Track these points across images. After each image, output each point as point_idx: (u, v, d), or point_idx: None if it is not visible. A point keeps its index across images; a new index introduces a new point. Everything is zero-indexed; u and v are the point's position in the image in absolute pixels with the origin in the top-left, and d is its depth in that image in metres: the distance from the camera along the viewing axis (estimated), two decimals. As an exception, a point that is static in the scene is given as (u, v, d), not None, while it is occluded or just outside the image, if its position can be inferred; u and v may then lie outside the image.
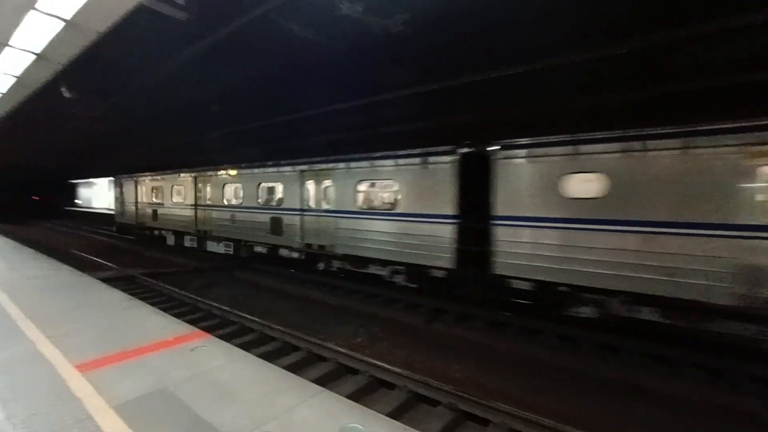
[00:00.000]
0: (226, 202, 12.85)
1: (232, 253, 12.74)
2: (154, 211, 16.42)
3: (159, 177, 16.19)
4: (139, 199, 17.74)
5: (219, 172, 12.97)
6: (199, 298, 8.62)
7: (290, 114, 10.23)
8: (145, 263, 13.30)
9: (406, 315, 7.92)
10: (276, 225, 10.86)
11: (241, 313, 7.54)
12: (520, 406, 4.40)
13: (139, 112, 10.76)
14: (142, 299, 7.40)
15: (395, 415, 4.28)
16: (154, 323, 5.07)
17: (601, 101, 7.11)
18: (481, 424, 4.25)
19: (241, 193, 12.32)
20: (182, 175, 14.72)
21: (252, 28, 5.84)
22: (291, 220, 10.46)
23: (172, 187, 15.32)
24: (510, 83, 6.93)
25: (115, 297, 6.57)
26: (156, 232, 16.75)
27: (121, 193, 19.40)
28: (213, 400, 3.25)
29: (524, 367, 5.77)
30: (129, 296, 6.81)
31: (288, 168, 10.49)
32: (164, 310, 7.13)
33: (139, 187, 17.77)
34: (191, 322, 6.51)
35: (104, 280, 8.63)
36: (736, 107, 5.62)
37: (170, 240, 15.78)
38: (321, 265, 10.15)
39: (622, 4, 5.03)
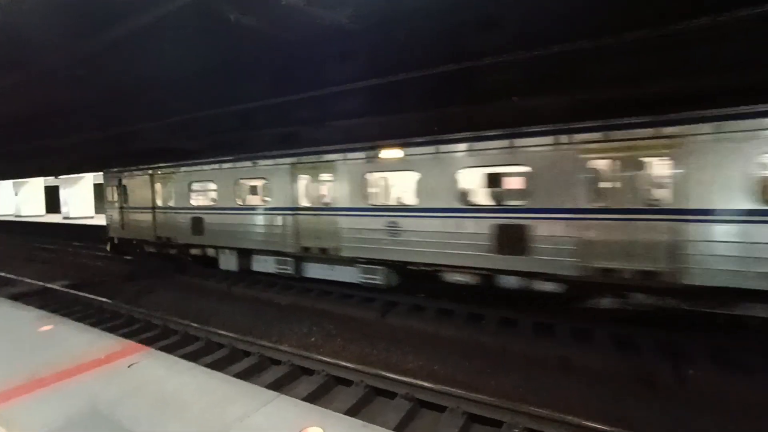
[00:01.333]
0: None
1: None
2: (197, 220, 10.78)
3: (208, 169, 10.64)
4: (161, 203, 12.00)
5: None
6: (135, 308, 7.94)
7: (238, 104, 9.66)
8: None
9: (360, 310, 7.93)
10: None
11: (184, 321, 7.07)
12: (468, 388, 4.63)
13: (53, 97, 9.51)
14: (64, 315, 6.65)
15: (354, 411, 4.29)
16: (80, 341, 4.56)
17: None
18: (437, 410, 4.40)
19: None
20: (264, 164, 9.39)
21: (185, 13, 5.41)
22: None
23: (238, 183, 9.99)
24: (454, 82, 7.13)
25: (28, 316, 5.77)
26: (197, 251, 11.17)
27: (120, 195, 13.20)
28: (155, 417, 3.01)
29: (470, 352, 6.07)
30: (48, 313, 6.06)
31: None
32: (94, 324, 6.48)
33: (160, 186, 12.02)
34: (127, 336, 5.99)
35: (12, 297, 7.62)
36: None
37: (229, 263, 10.27)
38: None
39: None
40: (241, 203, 10.05)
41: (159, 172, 12.10)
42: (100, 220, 28.70)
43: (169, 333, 6.82)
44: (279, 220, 9.12)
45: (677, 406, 4.63)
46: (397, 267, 7.76)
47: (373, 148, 7.85)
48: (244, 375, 5.06)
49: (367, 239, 7.80)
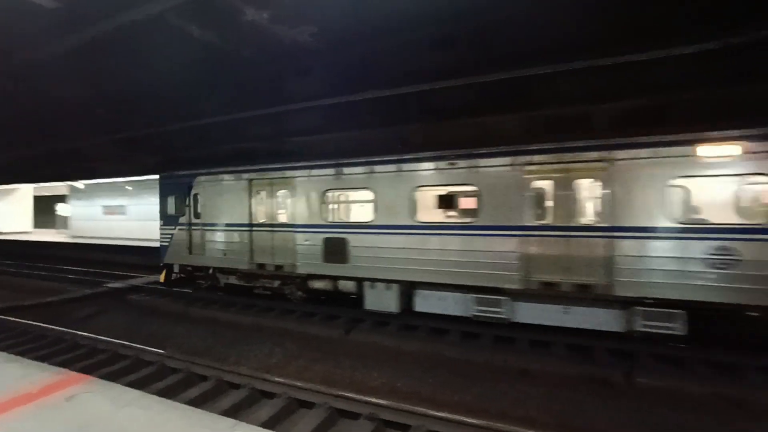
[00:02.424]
0: None
1: None
2: (335, 242, 8.01)
3: (359, 173, 7.92)
4: (265, 218, 9.01)
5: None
6: (79, 332, 7.34)
7: (192, 121, 9.40)
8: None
9: (323, 328, 7.80)
10: None
11: (135, 344, 6.63)
12: (431, 404, 4.68)
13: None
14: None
15: (315, 435, 4.20)
16: (7, 374, 4.14)
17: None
18: (401, 429, 4.38)
19: None
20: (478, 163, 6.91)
21: (141, 27, 5.26)
22: None
23: (417, 192, 7.40)
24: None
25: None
26: (325, 284, 8.43)
27: (188, 207, 9.92)
28: (99, 457, 2.79)
29: (433, 366, 6.14)
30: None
31: None
32: (28, 353, 5.93)
33: (266, 195, 9.00)
34: (68, 363, 5.54)
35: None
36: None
37: (383, 301, 7.76)
38: None
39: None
40: (423, 220, 7.39)
41: (266, 177, 8.88)
42: (41, 236, 26.60)
43: (118, 359, 6.35)
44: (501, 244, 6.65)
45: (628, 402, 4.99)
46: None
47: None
48: (200, 401, 4.81)
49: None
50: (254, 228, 9.04)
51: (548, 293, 6.40)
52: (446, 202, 7.58)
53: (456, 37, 5.79)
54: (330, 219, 8.43)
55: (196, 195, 9.82)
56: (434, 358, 6.41)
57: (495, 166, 6.76)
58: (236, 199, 9.22)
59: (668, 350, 5.97)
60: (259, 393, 5.13)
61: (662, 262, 5.71)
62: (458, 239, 7.01)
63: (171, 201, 10.24)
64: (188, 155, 10.92)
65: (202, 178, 9.73)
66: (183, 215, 9.98)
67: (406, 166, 7.48)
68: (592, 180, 6.28)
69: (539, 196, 6.61)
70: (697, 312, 5.70)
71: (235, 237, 9.24)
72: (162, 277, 10.57)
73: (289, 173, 8.66)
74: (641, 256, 5.80)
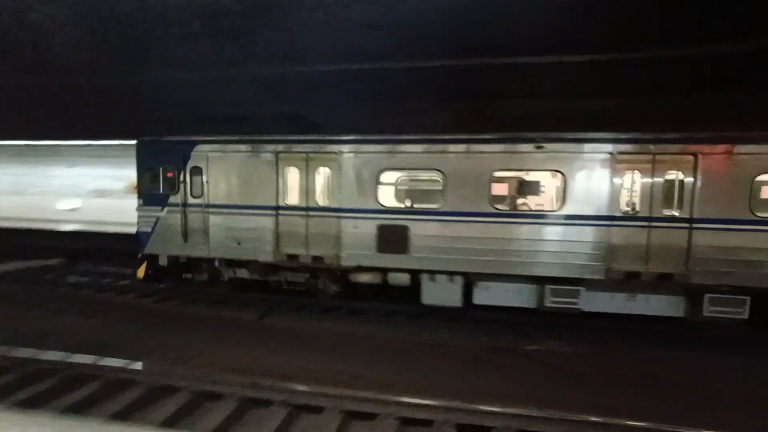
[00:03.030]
0: None
1: None
2: (392, 230, 7.07)
3: (429, 151, 7.06)
4: (297, 201, 7.55)
5: None
6: None
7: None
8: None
9: (240, 312, 7.40)
10: None
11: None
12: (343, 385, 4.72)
13: None
14: None
15: (224, 428, 3.97)
16: None
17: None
18: (316, 412, 4.35)
19: None
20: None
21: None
22: None
23: (494, 176, 6.89)
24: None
25: None
26: (372, 277, 7.48)
27: (184, 185, 7.89)
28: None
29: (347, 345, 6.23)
30: None
31: None
32: None
33: (299, 173, 7.51)
34: None
35: None
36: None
37: (446, 294, 7.18)
38: None
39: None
40: (503, 207, 6.89)
41: (301, 151, 7.34)
42: None
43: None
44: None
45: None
46: None
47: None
48: (82, 407, 4.19)
49: None
50: (281, 212, 7.47)
51: (630, 283, 6.46)
52: (529, 188, 7.13)
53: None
54: (387, 203, 7.22)
55: (195, 168, 7.79)
56: (350, 336, 6.49)
57: (586, 152, 6.47)
58: (257, 175, 7.51)
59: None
60: (162, 389, 4.68)
61: (738, 252, 6.11)
62: (539, 228, 6.65)
63: (156, 174, 7.94)
64: (180, 115, 8.54)
65: (205, 147, 7.72)
66: (175, 193, 7.87)
67: (483, 147, 6.79)
68: (675, 172, 6.41)
69: (628, 186, 6.62)
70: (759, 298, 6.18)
71: (255, 222, 7.52)
72: (140, 272, 8.23)
73: (332, 147, 7.25)
74: (720, 247, 6.15)
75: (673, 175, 6.42)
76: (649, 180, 6.40)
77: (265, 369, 5.33)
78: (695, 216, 6.22)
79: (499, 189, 6.97)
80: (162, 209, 7.93)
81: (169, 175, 7.87)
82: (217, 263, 8.05)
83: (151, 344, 6.23)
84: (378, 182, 7.11)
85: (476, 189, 6.79)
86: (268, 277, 7.94)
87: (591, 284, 6.64)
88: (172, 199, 7.88)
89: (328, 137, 7.39)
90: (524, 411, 4.04)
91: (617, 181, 6.44)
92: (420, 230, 6.94)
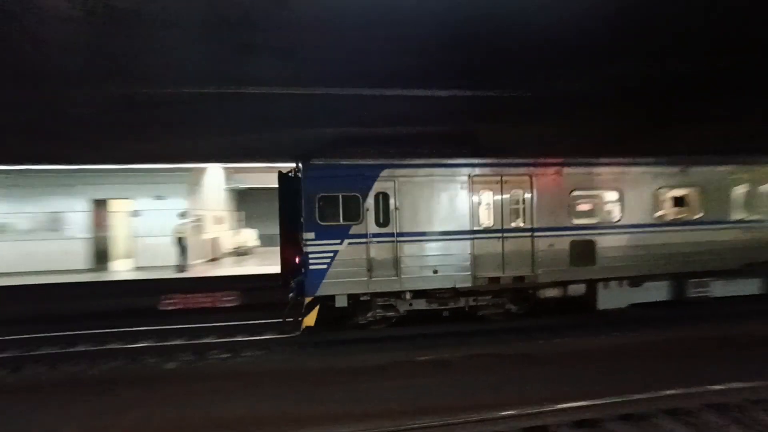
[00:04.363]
0: None
1: None
2: (587, 245, 7.88)
3: None
4: (496, 223, 7.66)
5: None
6: None
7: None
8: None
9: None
10: None
11: None
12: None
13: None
14: None
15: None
16: None
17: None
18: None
19: None
20: None
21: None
22: None
23: None
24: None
25: None
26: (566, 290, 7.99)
27: (371, 211, 7.20)
28: None
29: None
30: None
31: None
32: None
33: (493, 195, 7.69)
34: None
35: None
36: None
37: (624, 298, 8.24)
38: None
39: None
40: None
41: (490, 174, 7.60)
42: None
43: None
44: None
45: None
46: None
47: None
48: None
49: None
50: (477, 235, 7.40)
51: (749, 272, 8.32)
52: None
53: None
54: (577, 219, 7.96)
55: (382, 194, 7.16)
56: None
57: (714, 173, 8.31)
58: (453, 198, 7.36)
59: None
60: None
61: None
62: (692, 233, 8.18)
63: (335, 203, 7.03)
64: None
65: (397, 171, 7.18)
66: (358, 223, 7.08)
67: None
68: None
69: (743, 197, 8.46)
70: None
71: (451, 248, 7.30)
72: (311, 319, 6.99)
73: (522, 170, 7.59)
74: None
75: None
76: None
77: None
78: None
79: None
80: (341, 242, 6.96)
81: (349, 203, 7.04)
82: (408, 296, 7.38)
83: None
84: (569, 202, 7.85)
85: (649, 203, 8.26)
86: (448, 305, 7.62)
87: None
88: (355, 230, 7.02)
89: (519, 160, 7.68)
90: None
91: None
92: (606, 243, 7.90)
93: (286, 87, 6.66)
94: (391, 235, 7.08)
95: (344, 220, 6.99)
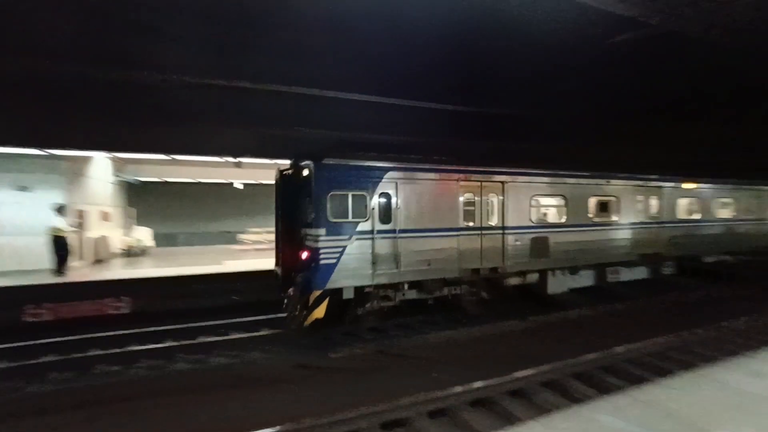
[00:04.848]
0: None
1: None
2: (543, 241, 9.65)
3: None
4: (476, 222, 8.78)
5: None
6: None
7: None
8: None
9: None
10: None
11: None
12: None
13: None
14: None
15: None
16: None
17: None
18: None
19: None
20: None
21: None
22: None
23: None
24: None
25: None
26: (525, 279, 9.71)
27: (376, 209, 7.62)
28: None
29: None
30: None
31: None
32: None
33: (476, 198, 8.81)
34: None
35: None
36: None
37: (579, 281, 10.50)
38: None
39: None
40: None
41: (475, 179, 8.81)
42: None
43: None
44: None
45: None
46: None
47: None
48: None
49: None
50: (462, 232, 8.41)
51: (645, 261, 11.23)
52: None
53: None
54: (535, 220, 9.42)
55: (384, 193, 7.70)
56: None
57: (626, 185, 10.88)
58: (443, 200, 8.25)
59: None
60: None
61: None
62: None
63: (345, 201, 7.32)
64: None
65: (398, 174, 7.81)
66: (365, 220, 7.45)
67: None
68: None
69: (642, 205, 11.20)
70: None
71: (442, 244, 8.18)
72: (321, 312, 7.13)
73: (498, 177, 8.88)
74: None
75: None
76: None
77: None
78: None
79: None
80: (349, 238, 7.35)
81: (360, 201, 7.48)
82: (406, 287, 8.09)
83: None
84: (531, 204, 9.35)
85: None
86: (434, 294, 8.43)
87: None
88: (362, 227, 7.47)
89: (494, 169, 8.96)
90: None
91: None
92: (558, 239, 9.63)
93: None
94: (393, 231, 7.73)
95: (353, 217, 7.43)
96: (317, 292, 7.11)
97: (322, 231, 7.12)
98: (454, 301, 8.79)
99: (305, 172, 7.56)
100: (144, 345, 7.41)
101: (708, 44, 5.98)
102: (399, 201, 7.79)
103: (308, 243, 7.42)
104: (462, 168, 8.61)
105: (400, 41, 6.33)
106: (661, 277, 11.90)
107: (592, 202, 10.37)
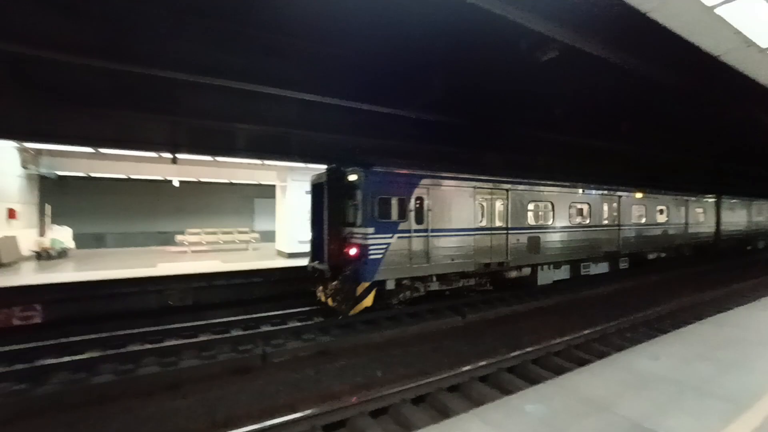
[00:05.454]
0: None
1: None
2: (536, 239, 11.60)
3: None
4: (488, 223, 10.43)
5: None
6: None
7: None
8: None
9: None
10: None
11: None
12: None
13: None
14: None
15: None
16: None
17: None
18: None
19: None
20: None
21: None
22: None
23: None
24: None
25: None
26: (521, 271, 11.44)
27: (412, 211, 8.86)
28: None
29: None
30: None
31: None
32: None
33: (487, 202, 10.47)
34: None
35: None
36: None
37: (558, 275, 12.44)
38: None
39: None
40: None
41: (487, 187, 10.50)
42: None
43: None
44: None
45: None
46: None
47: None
48: None
49: None
50: (477, 232, 9.90)
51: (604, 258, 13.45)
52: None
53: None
54: (530, 222, 11.16)
55: (418, 198, 8.96)
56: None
57: (594, 194, 13.26)
58: (464, 204, 9.67)
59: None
60: None
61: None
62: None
63: (389, 204, 8.54)
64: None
65: (429, 181, 9.11)
66: (405, 221, 8.72)
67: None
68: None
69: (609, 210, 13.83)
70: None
71: (462, 242, 9.60)
72: (369, 300, 8.27)
73: (504, 185, 10.57)
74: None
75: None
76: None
77: None
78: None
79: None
80: (392, 236, 8.47)
81: (401, 205, 8.66)
82: (435, 278, 9.41)
83: None
84: (527, 209, 11.15)
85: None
86: (453, 285, 9.83)
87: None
88: (402, 227, 8.65)
89: (502, 179, 10.59)
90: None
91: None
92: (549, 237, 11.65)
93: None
94: (425, 230, 8.99)
95: (396, 218, 8.59)
96: (366, 284, 8.11)
97: (371, 230, 8.17)
98: (465, 291, 10.30)
99: (352, 178, 8.47)
100: (59, 358, 6.66)
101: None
102: (430, 204, 9.06)
103: (356, 240, 8.31)
104: (477, 177, 10.12)
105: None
106: (617, 270, 14.23)
107: (571, 208, 12.34)
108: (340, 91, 8.86)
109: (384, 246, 8.32)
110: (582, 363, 6.14)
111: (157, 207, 22.73)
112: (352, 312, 8.19)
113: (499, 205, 10.50)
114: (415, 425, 4.62)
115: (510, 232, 10.62)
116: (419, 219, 8.89)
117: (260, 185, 21.93)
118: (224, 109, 8.72)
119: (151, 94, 7.86)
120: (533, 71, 8.04)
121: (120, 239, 21.54)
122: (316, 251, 9.40)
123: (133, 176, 18.78)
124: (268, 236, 21.34)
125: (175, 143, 8.93)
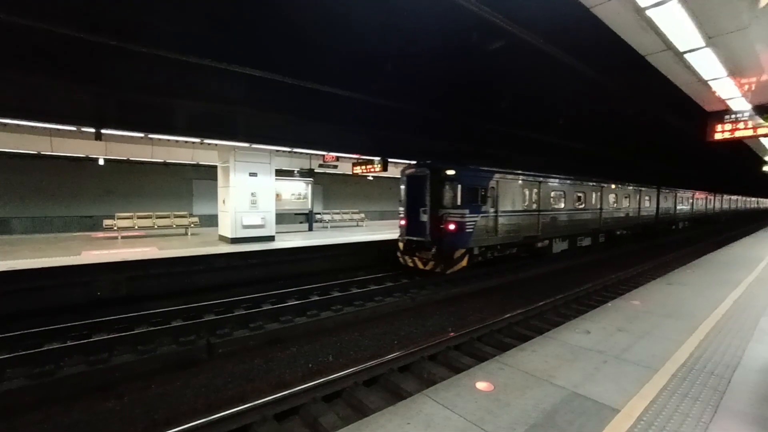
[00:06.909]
0: None
1: None
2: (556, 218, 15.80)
3: None
4: (527, 206, 13.92)
5: None
6: None
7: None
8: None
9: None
10: None
11: None
12: None
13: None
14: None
15: None
16: None
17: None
18: None
19: None
20: None
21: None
22: None
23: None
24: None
25: None
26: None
27: (490, 198, 12.24)
28: None
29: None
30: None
31: None
32: None
33: (533, 191, 14.27)
34: None
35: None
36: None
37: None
38: None
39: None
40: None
41: (532, 180, 14.24)
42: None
43: None
44: None
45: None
46: None
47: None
48: None
49: None
50: (523, 213, 13.16)
51: (591, 233, 17.42)
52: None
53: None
54: (552, 206, 14.76)
55: (492, 188, 11.96)
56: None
57: (588, 185, 17.08)
58: (516, 192, 12.94)
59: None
60: None
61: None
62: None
63: (476, 192, 11.45)
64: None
65: (499, 176, 12.27)
66: (486, 204, 11.73)
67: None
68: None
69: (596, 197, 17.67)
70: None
71: (515, 220, 12.83)
72: (466, 261, 11.25)
73: (538, 178, 13.99)
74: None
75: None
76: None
77: None
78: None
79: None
80: (478, 215, 11.45)
81: (483, 193, 11.62)
82: (499, 247, 12.59)
83: None
84: (549, 195, 14.54)
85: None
86: (506, 252, 13.00)
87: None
88: (483, 209, 11.67)
89: (535, 173, 13.96)
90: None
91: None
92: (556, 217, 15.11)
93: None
94: (496, 212, 12.11)
95: (480, 202, 11.55)
96: (462, 250, 11.08)
97: (467, 210, 11.09)
98: (510, 256, 13.36)
99: (450, 172, 11.04)
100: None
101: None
102: (498, 192, 12.19)
103: (454, 218, 10.91)
104: (524, 172, 13.39)
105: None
106: (593, 246, 17.91)
107: (575, 195, 16.01)
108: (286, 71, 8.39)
109: (473, 222, 11.26)
110: (522, 338, 6.64)
111: (79, 188, 20.20)
112: (449, 271, 11.02)
113: (534, 193, 13.70)
114: (368, 408, 4.70)
115: (541, 213, 13.97)
116: (493, 203, 11.96)
117: (199, 165, 20.44)
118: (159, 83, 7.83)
119: (69, 60, 6.80)
120: (484, 61, 8.20)
121: (31, 224, 19.00)
122: (411, 228, 11.79)
123: (45, 152, 16.47)
124: (210, 220, 20.08)
125: (101, 117, 7.86)
